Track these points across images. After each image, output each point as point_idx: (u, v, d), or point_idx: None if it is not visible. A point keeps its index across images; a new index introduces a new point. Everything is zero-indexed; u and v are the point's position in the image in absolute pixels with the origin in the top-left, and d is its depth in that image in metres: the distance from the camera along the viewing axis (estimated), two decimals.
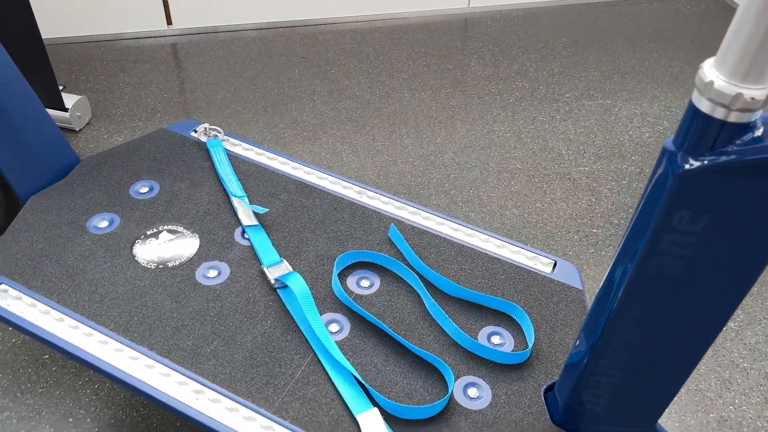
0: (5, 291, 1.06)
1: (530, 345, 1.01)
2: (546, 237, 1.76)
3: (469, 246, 1.20)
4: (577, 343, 0.88)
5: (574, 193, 1.91)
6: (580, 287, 1.13)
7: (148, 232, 1.18)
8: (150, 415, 1.33)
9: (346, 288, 1.11)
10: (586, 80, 2.40)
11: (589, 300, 1.45)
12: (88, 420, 1.32)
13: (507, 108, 2.24)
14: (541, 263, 1.18)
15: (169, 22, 2.50)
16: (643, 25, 2.74)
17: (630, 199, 1.89)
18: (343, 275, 1.14)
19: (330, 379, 0.97)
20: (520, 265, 1.16)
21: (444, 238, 1.21)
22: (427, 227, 1.23)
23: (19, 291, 1.06)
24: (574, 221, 1.82)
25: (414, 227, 1.23)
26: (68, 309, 1.04)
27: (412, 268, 1.14)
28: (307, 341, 1.02)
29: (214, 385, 0.96)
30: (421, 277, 1.13)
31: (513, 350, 1.03)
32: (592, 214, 1.84)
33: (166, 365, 0.98)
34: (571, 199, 1.89)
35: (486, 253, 1.18)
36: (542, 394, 0.98)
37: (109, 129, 2.06)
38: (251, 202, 1.26)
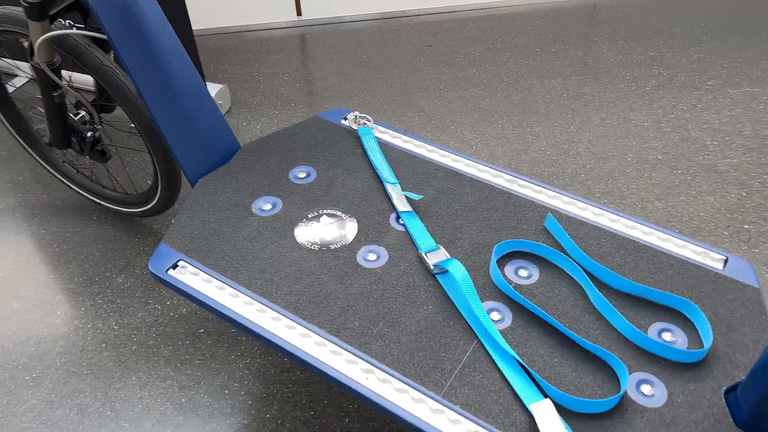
0: (184, 267, 1.14)
1: (708, 344, 0.96)
2: (693, 232, 1.67)
3: (631, 238, 1.15)
4: None
5: (722, 186, 1.80)
6: (757, 285, 1.07)
7: (309, 216, 1.22)
8: (299, 391, 1.39)
9: (504, 277, 1.10)
10: (730, 67, 2.25)
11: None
12: (242, 393, 1.39)
13: (644, 96, 2.14)
14: (710, 259, 1.12)
15: (298, 12, 2.57)
16: None
17: None
18: (500, 264, 1.13)
19: (497, 366, 0.97)
20: (688, 260, 1.11)
21: (603, 229, 1.17)
22: (585, 218, 1.20)
23: (197, 267, 1.13)
24: (723, 216, 1.71)
25: (570, 218, 1.20)
26: (241, 286, 1.10)
27: (573, 259, 1.11)
28: (470, 328, 1.03)
29: (383, 366, 0.98)
30: (583, 269, 1.10)
31: (687, 348, 0.99)
32: (743, 209, 1.73)
33: (335, 344, 1.01)
34: (718, 193, 1.78)
35: (650, 247, 1.13)
36: (723, 395, 0.93)
37: (248, 117, 2.15)
38: (403, 189, 1.27)
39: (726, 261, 1.11)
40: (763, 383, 0.84)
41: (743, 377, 0.94)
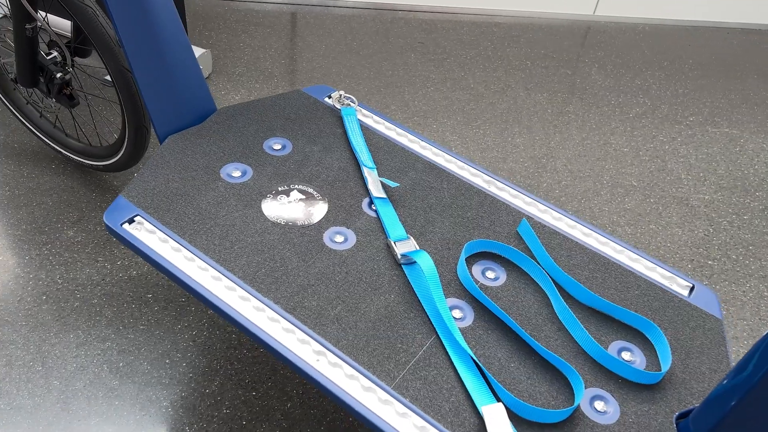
0: (140, 223, 1.08)
1: (666, 367, 0.95)
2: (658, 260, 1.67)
3: (602, 254, 1.14)
4: (725, 381, 0.81)
5: (691, 220, 1.81)
6: (720, 316, 1.06)
7: (280, 189, 1.18)
8: (243, 370, 1.34)
9: (471, 276, 1.08)
10: (712, 106, 2.28)
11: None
12: (184, 364, 1.33)
13: (626, 122, 2.15)
14: (677, 285, 1.11)
15: None
16: None
17: (751, 236, 1.78)
18: (468, 263, 1.10)
19: (452, 365, 0.94)
20: (656, 282, 1.10)
21: (575, 241, 1.15)
22: (558, 228, 1.18)
23: (153, 225, 1.07)
24: (689, 249, 1.72)
25: (544, 226, 1.18)
26: (199, 250, 1.04)
27: (542, 267, 1.09)
28: (430, 322, 0.99)
29: (336, 350, 0.94)
30: (551, 278, 1.08)
31: (645, 369, 0.98)
32: (709, 245, 1.74)
33: (290, 321, 0.97)
34: (687, 226, 1.79)
35: (620, 265, 1.12)
36: (674, 420, 0.92)
37: (227, 86, 2.09)
38: (380, 175, 1.24)
39: (692, 288, 1.10)
40: (716, 413, 0.82)
41: (697, 405, 0.93)
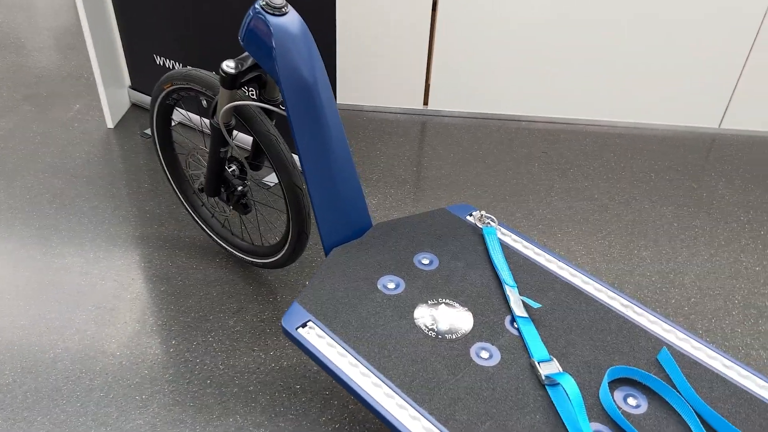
0: (312, 328, 1.23)
1: None
2: None
3: (744, 388, 1.16)
4: None
5: None
6: None
7: (429, 302, 1.30)
8: None
9: (614, 402, 1.13)
10: None
11: None
12: None
13: (757, 239, 2.13)
14: None
15: (425, 102, 2.75)
16: None
17: None
18: (609, 387, 1.16)
19: None
20: None
21: (716, 373, 1.18)
22: (698, 358, 1.21)
23: (323, 330, 1.22)
24: None
25: (683, 355, 1.22)
26: (362, 357, 1.17)
27: (685, 399, 1.13)
28: None
29: None
30: (694, 411, 1.11)
31: None
32: None
33: None
34: None
35: (763, 401, 1.13)
36: None
37: (365, 191, 2.29)
38: (521, 293, 1.33)
39: None
40: None
41: None
